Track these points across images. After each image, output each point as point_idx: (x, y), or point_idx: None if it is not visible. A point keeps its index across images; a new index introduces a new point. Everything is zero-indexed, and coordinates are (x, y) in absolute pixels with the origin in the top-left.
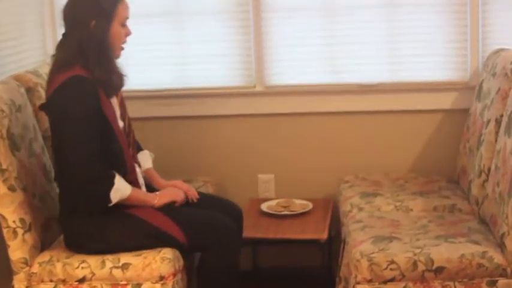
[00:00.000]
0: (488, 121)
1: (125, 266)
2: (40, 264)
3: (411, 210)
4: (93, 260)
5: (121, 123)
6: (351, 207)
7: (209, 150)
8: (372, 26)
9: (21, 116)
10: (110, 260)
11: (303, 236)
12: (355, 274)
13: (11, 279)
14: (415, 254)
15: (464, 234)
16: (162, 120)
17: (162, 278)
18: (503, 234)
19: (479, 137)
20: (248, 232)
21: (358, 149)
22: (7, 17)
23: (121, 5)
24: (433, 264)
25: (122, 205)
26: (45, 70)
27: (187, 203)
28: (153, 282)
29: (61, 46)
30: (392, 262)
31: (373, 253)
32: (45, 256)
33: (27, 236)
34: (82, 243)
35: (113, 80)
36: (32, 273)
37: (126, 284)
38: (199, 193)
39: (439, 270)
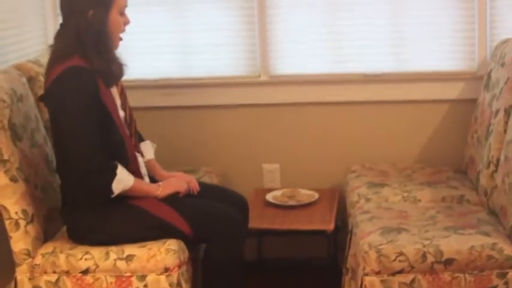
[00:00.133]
0: (497, 111)
1: (129, 258)
2: (43, 255)
3: (419, 201)
4: (97, 252)
5: (122, 113)
6: (358, 198)
7: (213, 140)
8: (377, 14)
9: (22, 106)
10: (114, 251)
11: (310, 227)
12: (363, 266)
13: (13, 270)
14: (424, 246)
15: (473, 226)
16: (164, 110)
17: (167, 269)
18: None
19: (487, 127)
20: (254, 223)
21: (364, 139)
22: (8, 6)
23: None
24: (442, 256)
25: (125, 196)
26: (46, 59)
27: (189, 194)
28: (158, 274)
29: (59, 36)
30: (401, 254)
31: (381, 244)
32: (48, 247)
33: (30, 227)
34: (85, 236)
35: (112, 69)
36: (35, 264)
37: (130, 276)
38: (205, 184)
39: (449, 262)
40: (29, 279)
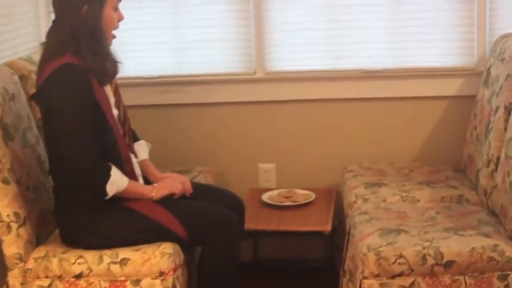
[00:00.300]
0: (497, 108)
1: (124, 262)
2: (35, 259)
3: (418, 201)
4: (90, 255)
5: (115, 112)
6: (355, 198)
7: (208, 139)
8: (375, 10)
9: (14, 105)
10: (107, 255)
11: (306, 228)
12: (362, 269)
13: (5, 275)
14: (424, 248)
15: (473, 227)
16: (158, 108)
17: (162, 273)
18: None
19: (487, 125)
20: (249, 224)
21: (361, 137)
22: (0, 2)
23: None
24: (442, 258)
25: (119, 198)
26: (39, 57)
27: (183, 196)
28: (152, 278)
29: (52, 33)
30: (400, 256)
31: (380, 247)
32: (40, 251)
33: (22, 230)
34: (78, 238)
35: (107, 67)
36: (27, 269)
37: (124, 280)
38: (200, 185)
39: (449, 264)
40: (21, 283)
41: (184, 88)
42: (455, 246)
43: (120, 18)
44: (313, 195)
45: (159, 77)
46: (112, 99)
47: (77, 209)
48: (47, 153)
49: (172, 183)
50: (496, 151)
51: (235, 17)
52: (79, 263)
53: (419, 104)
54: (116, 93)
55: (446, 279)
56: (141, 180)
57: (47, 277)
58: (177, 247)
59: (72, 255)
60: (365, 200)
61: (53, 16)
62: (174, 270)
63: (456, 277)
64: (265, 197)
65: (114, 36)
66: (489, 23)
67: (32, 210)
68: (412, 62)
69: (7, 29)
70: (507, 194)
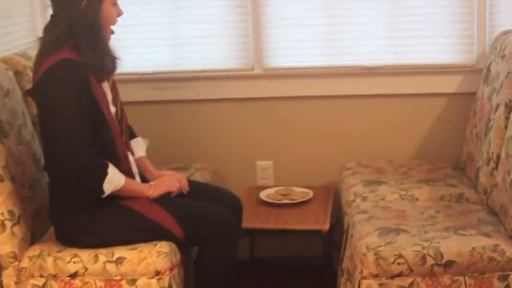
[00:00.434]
0: (497, 106)
1: (119, 261)
2: (30, 258)
3: (417, 199)
4: (85, 254)
5: (113, 109)
6: (354, 197)
7: (205, 136)
8: (374, 5)
9: (9, 101)
10: (103, 254)
11: (304, 227)
12: (361, 269)
13: None
14: (423, 248)
15: (474, 226)
16: (154, 104)
17: (158, 273)
18: None
19: (487, 123)
20: (247, 222)
21: (360, 134)
22: None
23: None
24: (442, 258)
25: (116, 196)
26: (35, 52)
27: (181, 194)
28: (148, 278)
29: (49, 28)
30: (400, 256)
31: (379, 246)
32: (35, 250)
33: (16, 228)
34: (73, 237)
35: (105, 63)
36: (22, 268)
37: (120, 280)
38: (198, 183)
39: (449, 264)
40: (16, 283)
41: (182, 84)
42: (455, 246)
43: (119, 13)
44: (311, 193)
45: (156, 72)
46: (109, 96)
47: (72, 207)
48: (43, 149)
49: (169, 181)
50: (496, 149)
51: (233, 13)
52: (74, 262)
53: (419, 101)
54: (113, 90)
55: (446, 279)
56: (138, 179)
57: (41, 276)
58: (174, 246)
59: (67, 254)
60: (364, 199)
61: (49, 11)
62: (171, 269)
63: (456, 277)
64: (262, 194)
65: (112, 32)
66: (489, 19)
67: (27, 208)
68: (411, 58)
69: (2, 24)
70: (507, 193)
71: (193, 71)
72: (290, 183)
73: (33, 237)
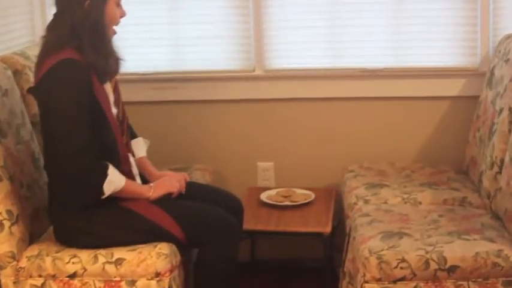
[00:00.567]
0: (501, 110)
1: (119, 262)
2: (28, 258)
3: (420, 203)
4: (84, 255)
5: (115, 110)
6: (356, 200)
7: (206, 137)
8: (376, 8)
9: (7, 101)
10: (102, 254)
11: (306, 229)
12: (363, 272)
13: None
14: (427, 252)
15: (477, 231)
16: (155, 104)
17: (158, 274)
18: None
19: (490, 127)
20: (248, 224)
21: (361, 136)
22: None
23: None
24: (446, 263)
25: (115, 198)
26: (34, 52)
27: (181, 195)
28: (148, 279)
29: (52, 27)
30: (403, 260)
31: (382, 250)
32: (33, 250)
33: (15, 228)
34: (73, 237)
35: (109, 63)
36: (20, 267)
37: (119, 281)
38: (199, 184)
39: (452, 269)
40: (14, 282)
41: (182, 85)
42: (459, 250)
43: (123, 14)
44: (312, 195)
45: (157, 73)
46: (111, 97)
47: (71, 208)
48: (43, 148)
49: (170, 182)
50: (500, 153)
51: (234, 13)
52: (73, 262)
53: (421, 104)
54: (116, 91)
55: (449, 284)
56: (138, 180)
57: (40, 276)
58: (174, 247)
59: (66, 254)
60: (366, 202)
61: (48, 9)
62: (171, 271)
63: (459, 282)
64: (263, 196)
65: (115, 32)
66: (493, 22)
67: (26, 208)
68: (413, 61)
69: (1, 23)
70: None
71: (194, 72)
72: (291, 185)
73: (31, 237)
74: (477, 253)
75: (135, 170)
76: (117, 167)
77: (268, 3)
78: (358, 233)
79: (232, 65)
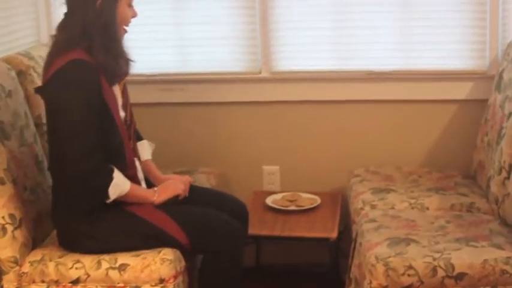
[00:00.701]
0: (510, 114)
1: (122, 267)
2: (31, 263)
3: (427, 208)
4: (88, 260)
5: (122, 113)
6: (362, 204)
7: (211, 140)
8: (384, 9)
9: (11, 102)
10: (106, 260)
11: (312, 234)
12: (370, 280)
13: (0, 279)
14: (434, 259)
15: (485, 237)
16: (159, 106)
17: (162, 280)
18: None
19: (499, 131)
20: (253, 229)
21: (368, 140)
22: None
23: None
24: (453, 270)
25: (120, 202)
26: (38, 52)
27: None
28: (152, 285)
29: (62, 27)
30: (410, 267)
31: (389, 257)
32: (36, 255)
33: (17, 232)
34: (76, 241)
35: (120, 65)
36: (23, 273)
37: (123, 287)
38: (204, 189)
39: (460, 276)
40: None
41: (187, 87)
42: (467, 258)
43: (134, 15)
44: (318, 200)
45: (162, 74)
46: (120, 100)
47: (75, 211)
48: (49, 150)
49: (174, 185)
50: (508, 158)
51: (240, 14)
52: (76, 268)
53: (428, 108)
54: (124, 94)
55: None
56: (143, 185)
57: (43, 282)
58: (178, 253)
59: (69, 259)
60: (372, 207)
61: (53, 9)
62: (175, 277)
63: None
64: (269, 200)
65: (125, 31)
66: (502, 24)
67: (29, 212)
68: (421, 64)
69: (4, 23)
70: None
71: (199, 73)
72: (297, 189)
73: (34, 242)
74: (485, 260)
75: (140, 175)
76: (123, 171)
77: (275, 4)
78: (364, 239)
79: (238, 67)
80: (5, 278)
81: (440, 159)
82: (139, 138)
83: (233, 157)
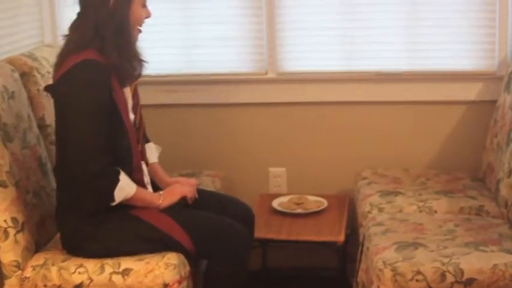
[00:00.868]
0: None
1: (126, 272)
2: (34, 268)
3: (435, 212)
4: (91, 265)
5: (132, 116)
6: (370, 208)
7: (217, 142)
8: (392, 9)
9: (14, 104)
10: (109, 264)
11: (318, 238)
12: (378, 285)
13: (2, 283)
14: (443, 264)
15: (495, 242)
16: (165, 108)
17: (166, 285)
18: None
19: (508, 132)
20: (259, 232)
21: (375, 141)
22: None
23: None
24: (463, 276)
25: (125, 205)
26: (42, 53)
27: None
28: None
29: (75, 26)
30: (418, 272)
31: (397, 262)
32: (39, 259)
33: (20, 236)
34: (80, 244)
35: (133, 66)
36: (25, 277)
37: None
38: (209, 192)
39: (469, 282)
40: None
41: (193, 88)
42: (476, 263)
43: (148, 15)
44: (325, 203)
45: (168, 75)
46: (130, 103)
47: (80, 213)
48: (55, 149)
49: (181, 188)
50: None
51: (247, 14)
52: (79, 273)
53: (437, 109)
54: (135, 96)
55: None
56: (150, 189)
57: (45, 286)
58: (182, 258)
59: (72, 264)
60: (380, 210)
61: (57, 10)
62: (179, 282)
63: None
64: (275, 203)
65: (139, 31)
66: (511, 24)
67: (31, 215)
68: (429, 64)
69: (8, 24)
70: None
71: (204, 74)
72: (303, 191)
73: (37, 245)
74: (495, 265)
75: (146, 179)
76: (129, 174)
77: (282, 4)
78: (372, 243)
79: (245, 68)
80: (7, 282)
81: (449, 161)
82: (146, 141)
83: (239, 159)
